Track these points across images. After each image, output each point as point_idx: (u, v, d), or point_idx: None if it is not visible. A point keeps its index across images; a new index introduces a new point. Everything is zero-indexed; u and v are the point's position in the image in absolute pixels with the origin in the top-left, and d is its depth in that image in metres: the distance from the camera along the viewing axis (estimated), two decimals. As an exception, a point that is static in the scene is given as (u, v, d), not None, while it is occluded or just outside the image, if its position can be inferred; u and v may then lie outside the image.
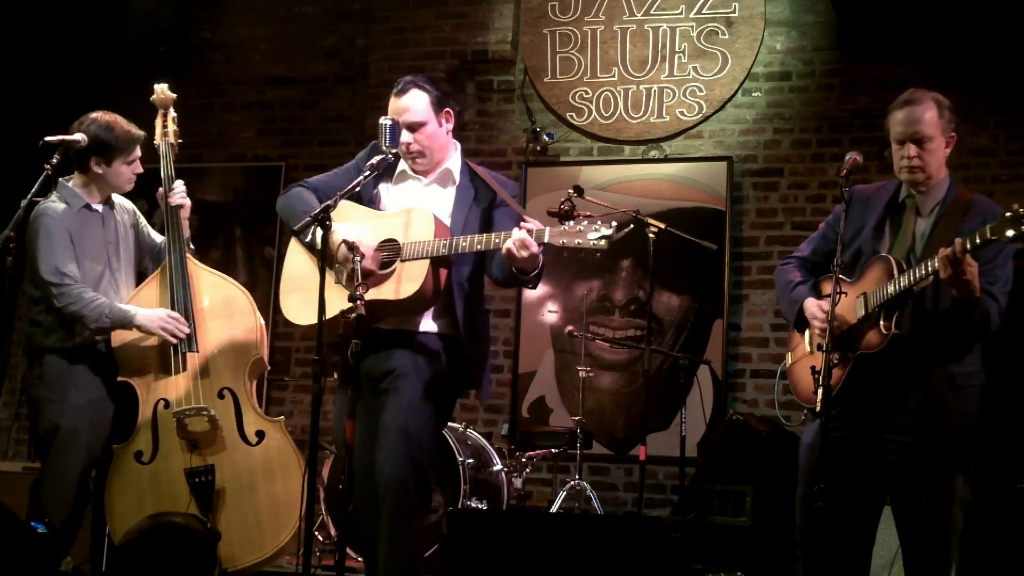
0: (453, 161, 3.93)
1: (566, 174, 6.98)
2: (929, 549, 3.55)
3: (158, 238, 4.71)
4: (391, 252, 3.71)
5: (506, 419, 6.85)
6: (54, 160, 4.24)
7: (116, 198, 4.63)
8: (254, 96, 7.74)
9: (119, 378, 4.45)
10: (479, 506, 5.63)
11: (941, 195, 3.64)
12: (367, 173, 3.71)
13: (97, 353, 4.45)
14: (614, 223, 3.43)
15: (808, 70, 6.77)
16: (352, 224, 3.74)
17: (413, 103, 3.82)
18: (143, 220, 4.75)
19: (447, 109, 3.88)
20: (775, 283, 4.00)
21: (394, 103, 3.86)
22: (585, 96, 7.08)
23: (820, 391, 3.37)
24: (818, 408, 3.38)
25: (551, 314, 6.96)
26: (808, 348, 3.77)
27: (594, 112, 7.05)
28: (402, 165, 3.89)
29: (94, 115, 4.49)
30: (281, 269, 4.06)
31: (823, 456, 3.46)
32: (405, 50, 7.13)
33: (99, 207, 4.53)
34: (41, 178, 4.19)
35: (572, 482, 6.01)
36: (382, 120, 3.78)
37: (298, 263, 3.95)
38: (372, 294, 3.61)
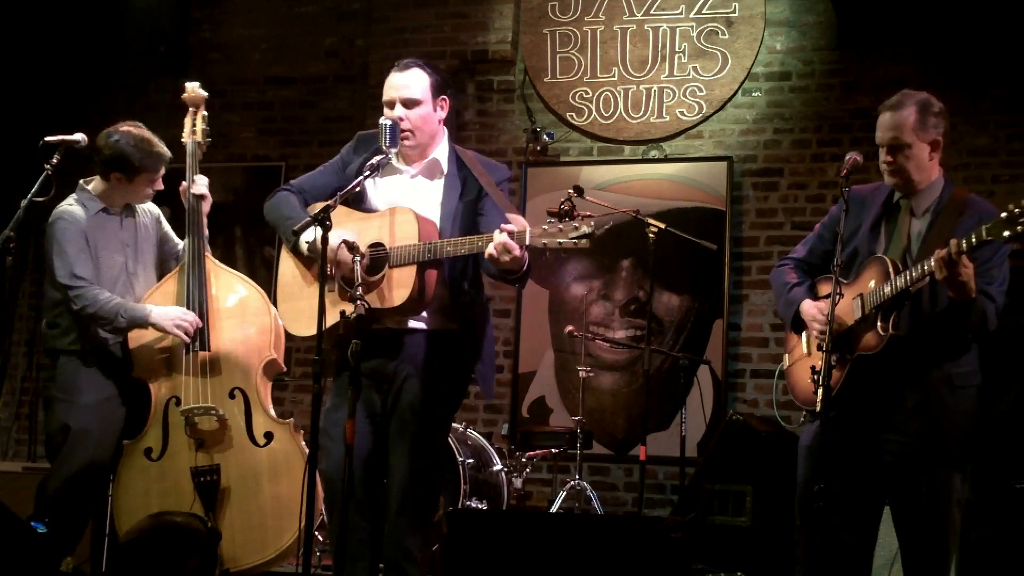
0: (440, 150, 3.90)
1: (566, 174, 6.98)
2: (927, 549, 3.55)
3: (179, 242, 4.73)
4: (379, 257, 3.70)
5: (506, 419, 6.85)
6: (54, 160, 4.25)
7: None
8: (254, 96, 7.74)
9: (132, 374, 4.47)
10: (479, 506, 5.63)
11: (935, 196, 3.65)
12: (367, 173, 3.70)
13: (111, 354, 4.48)
14: (593, 222, 3.42)
15: (808, 70, 6.78)
16: (338, 228, 3.70)
17: (413, 81, 3.82)
18: (166, 223, 4.76)
19: (443, 97, 3.87)
20: (771, 285, 4.00)
21: (394, 77, 3.84)
22: (585, 96, 7.08)
23: (820, 392, 3.37)
24: (818, 409, 3.38)
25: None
26: (805, 350, 3.76)
27: (594, 112, 7.05)
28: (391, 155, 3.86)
29: (127, 128, 4.48)
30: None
31: (822, 457, 3.46)
32: (405, 50, 7.11)
33: (116, 211, 4.54)
34: (41, 178, 4.20)
35: (572, 482, 6.02)
36: (382, 120, 3.77)
37: (290, 271, 3.94)
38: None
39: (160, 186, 4.57)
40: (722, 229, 6.68)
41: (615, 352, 6.75)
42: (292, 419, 4.50)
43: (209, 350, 4.43)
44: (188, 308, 4.44)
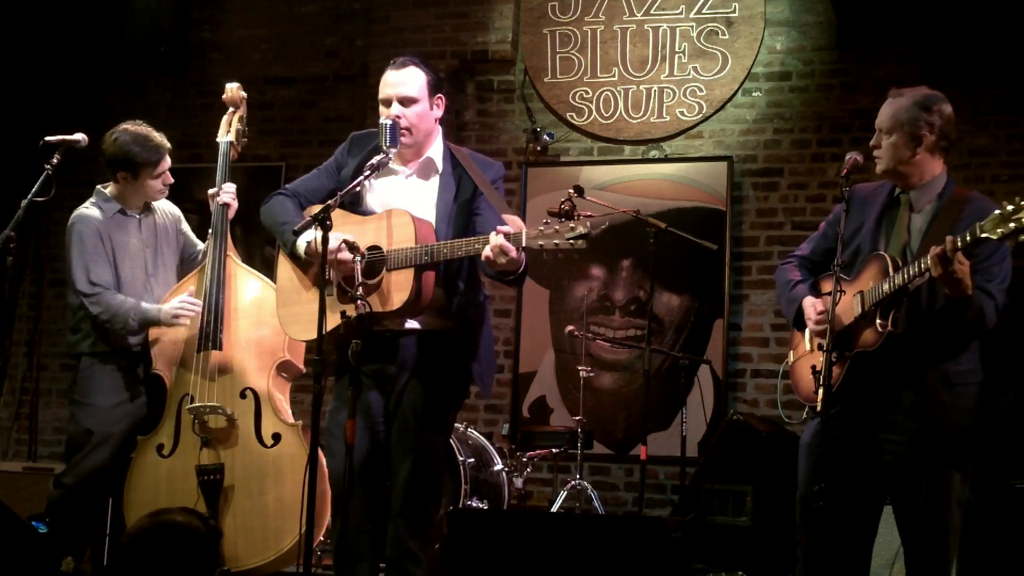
0: (435, 149, 3.90)
1: (566, 174, 6.98)
2: (928, 548, 3.55)
3: (199, 245, 4.76)
4: (377, 261, 3.70)
5: (506, 419, 6.85)
6: (54, 160, 4.26)
7: (160, 202, 4.67)
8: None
9: (152, 370, 4.49)
10: (479, 506, 5.63)
11: (936, 192, 3.65)
12: (367, 173, 3.70)
13: (131, 355, 4.51)
14: (590, 222, 3.42)
15: (808, 70, 6.77)
16: (335, 232, 3.70)
17: (409, 78, 3.82)
18: (186, 225, 4.80)
19: (439, 95, 3.87)
20: (775, 282, 4.01)
21: (390, 75, 3.84)
22: (585, 96, 7.08)
23: (820, 390, 3.37)
24: (819, 408, 3.38)
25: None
26: (808, 347, 3.77)
27: (594, 112, 7.05)
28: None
29: (124, 126, 4.54)
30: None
31: (822, 456, 3.46)
32: (405, 50, 7.07)
33: (134, 212, 4.56)
34: (41, 178, 4.21)
35: (573, 482, 6.02)
36: (382, 120, 3.78)
37: (287, 275, 3.94)
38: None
39: (169, 180, 4.60)
40: (722, 229, 6.68)
41: (615, 352, 6.75)
42: (300, 421, 4.50)
43: (222, 349, 4.44)
44: (205, 306, 4.46)
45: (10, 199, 4.28)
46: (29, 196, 4.16)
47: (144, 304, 4.47)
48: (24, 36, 7.41)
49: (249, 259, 7.35)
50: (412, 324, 3.78)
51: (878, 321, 3.51)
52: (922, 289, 3.51)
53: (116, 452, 4.45)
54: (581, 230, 3.38)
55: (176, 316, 4.43)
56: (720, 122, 6.88)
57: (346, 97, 7.51)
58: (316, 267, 3.65)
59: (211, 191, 4.65)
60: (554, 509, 5.95)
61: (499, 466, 5.89)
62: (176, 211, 4.77)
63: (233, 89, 4.80)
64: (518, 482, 5.96)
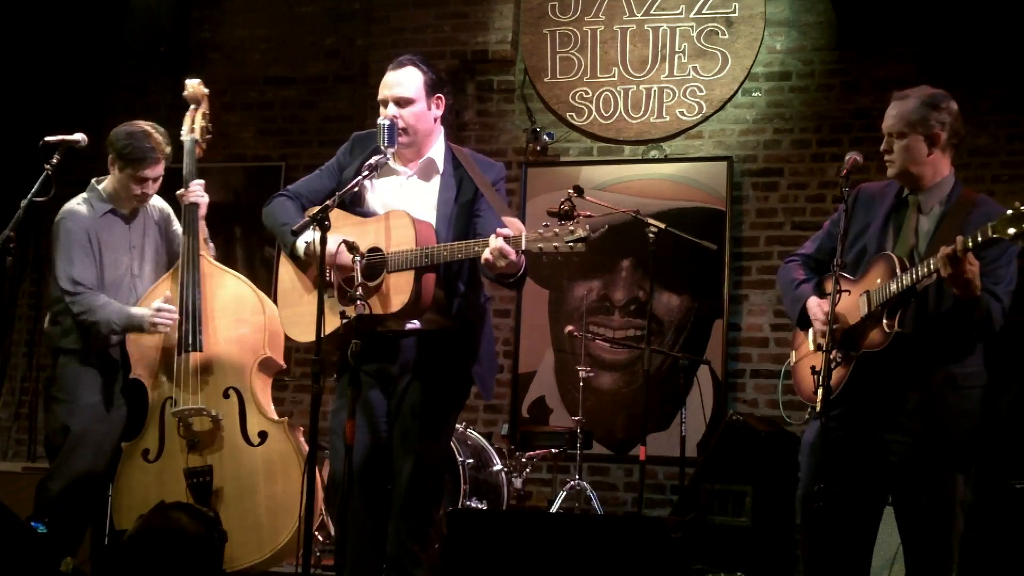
0: (436, 150, 3.89)
1: (566, 174, 6.98)
2: (930, 550, 3.55)
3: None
4: (377, 263, 3.70)
5: (506, 419, 6.85)
6: (54, 160, 4.25)
7: (152, 199, 4.63)
8: (254, 96, 7.74)
9: (131, 375, 4.47)
10: (479, 506, 5.63)
11: (944, 193, 3.64)
12: (365, 173, 3.70)
13: (112, 357, 4.47)
14: (589, 225, 3.41)
15: (808, 70, 6.77)
16: (335, 233, 3.70)
17: (406, 79, 3.81)
18: (176, 223, 4.75)
19: (439, 95, 3.86)
20: (778, 281, 4.00)
21: (389, 76, 3.84)
22: (585, 96, 7.08)
23: (820, 391, 3.37)
24: (817, 408, 3.38)
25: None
26: (811, 347, 3.76)
27: (594, 112, 7.05)
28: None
29: (138, 121, 4.52)
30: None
31: (824, 456, 3.45)
32: (405, 50, 7.01)
33: (125, 211, 4.54)
34: (41, 178, 4.20)
35: (572, 482, 6.02)
36: (380, 120, 3.77)
37: (288, 277, 3.94)
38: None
39: (150, 192, 4.54)
40: (722, 229, 6.68)
41: (615, 352, 6.75)
42: (287, 417, 4.49)
43: (202, 350, 4.42)
44: (182, 309, 4.44)
45: (10, 199, 4.27)
46: (29, 196, 4.15)
47: (130, 309, 4.44)
48: (24, 36, 7.41)
49: (249, 259, 7.46)
50: (413, 324, 3.78)
51: (885, 321, 3.50)
52: (929, 290, 3.50)
53: (101, 453, 4.40)
54: (580, 233, 3.38)
55: (154, 325, 4.40)
56: (720, 122, 6.87)
57: (346, 97, 7.51)
58: (316, 268, 3.65)
59: (179, 192, 4.61)
60: (553, 509, 5.95)
61: (498, 466, 5.89)
62: (167, 209, 4.73)
63: (194, 85, 4.77)
64: (517, 482, 5.96)
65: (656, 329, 6.57)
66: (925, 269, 3.40)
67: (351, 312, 3.52)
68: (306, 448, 4.20)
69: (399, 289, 3.65)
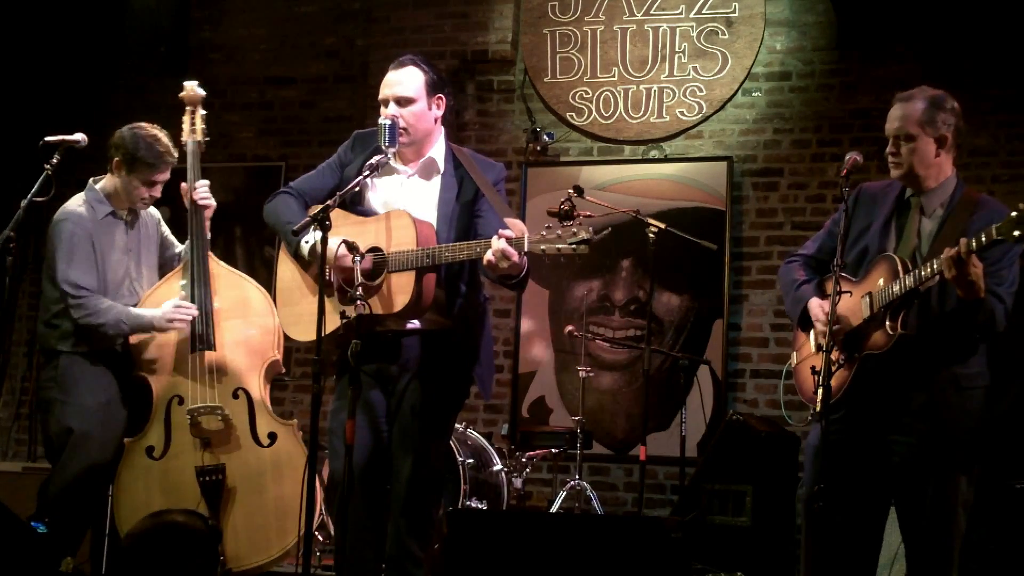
0: (437, 149, 3.89)
1: (566, 174, 6.98)
2: (931, 550, 3.54)
3: (178, 246, 4.73)
4: (378, 263, 3.70)
5: (506, 419, 6.85)
6: (54, 160, 4.25)
7: None
8: (254, 96, 7.74)
9: (134, 373, 4.46)
10: (479, 506, 5.63)
11: (947, 195, 3.64)
12: (366, 173, 3.70)
13: (111, 354, 4.47)
14: (592, 227, 3.41)
15: (808, 70, 6.77)
16: (335, 233, 3.69)
17: (407, 78, 3.82)
18: (165, 227, 4.77)
19: (439, 95, 3.86)
20: (779, 281, 4.00)
21: (390, 75, 3.84)
22: (585, 96, 7.08)
23: (820, 392, 3.36)
24: (818, 409, 3.38)
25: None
26: (813, 348, 3.76)
27: (594, 112, 7.05)
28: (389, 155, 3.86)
29: (142, 124, 4.51)
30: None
31: (825, 457, 3.45)
32: (405, 50, 6.99)
33: (123, 214, 4.54)
34: (41, 178, 4.20)
35: (572, 482, 6.01)
36: (381, 120, 3.77)
37: (288, 276, 3.94)
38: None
39: (156, 195, 4.55)
40: (722, 229, 6.67)
41: (615, 352, 6.75)
42: (295, 420, 4.50)
43: (215, 350, 4.43)
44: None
45: (10, 199, 4.27)
46: (29, 196, 4.15)
47: (137, 309, 4.43)
48: (24, 36, 7.41)
49: (249, 259, 7.45)
50: (413, 324, 3.78)
51: (888, 323, 3.50)
52: (933, 291, 3.49)
53: (103, 453, 4.39)
54: (583, 235, 3.38)
55: (171, 321, 4.39)
56: (720, 122, 6.87)
57: (346, 97, 7.51)
58: (317, 268, 3.64)
59: (184, 188, 4.61)
60: (553, 509, 5.94)
61: (498, 466, 5.89)
62: (156, 212, 4.73)
63: (192, 87, 4.77)
64: (517, 482, 5.96)
65: (656, 329, 6.57)
66: (928, 270, 3.40)
67: (351, 312, 3.52)
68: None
69: (400, 289, 3.65)
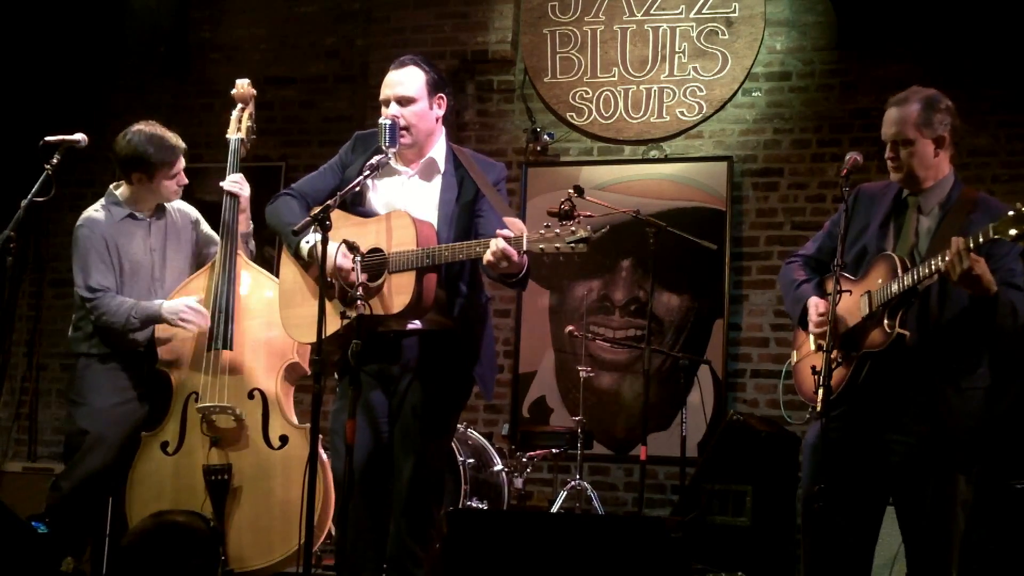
0: (437, 150, 3.89)
1: (566, 174, 6.98)
2: (930, 549, 3.55)
3: (215, 240, 4.71)
4: (379, 264, 3.70)
5: (506, 419, 6.85)
6: (54, 160, 4.25)
7: (175, 203, 4.64)
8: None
9: (156, 367, 4.47)
10: (479, 506, 5.63)
11: (944, 193, 3.64)
12: (366, 173, 3.70)
13: (132, 357, 4.48)
14: (590, 226, 3.41)
15: (808, 70, 6.77)
16: (337, 235, 3.69)
17: (408, 78, 3.82)
18: (205, 225, 4.75)
19: (440, 95, 3.86)
20: (779, 281, 4.00)
21: (390, 75, 3.84)
22: (585, 96, 7.08)
23: (820, 391, 3.37)
24: (818, 408, 3.38)
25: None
26: (812, 347, 3.76)
27: (594, 112, 7.05)
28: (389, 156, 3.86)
29: (138, 126, 4.51)
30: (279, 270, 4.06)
31: (825, 456, 3.45)
32: (405, 50, 6.98)
33: (144, 215, 4.54)
34: (41, 178, 4.21)
35: (572, 482, 6.02)
36: (381, 120, 3.78)
37: (291, 277, 3.94)
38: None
39: (184, 180, 4.59)
40: (722, 229, 6.68)
41: (615, 352, 6.75)
42: (309, 424, 4.49)
43: (232, 349, 4.42)
44: (214, 306, 4.43)
45: (10, 199, 4.27)
46: (29, 196, 4.16)
47: (146, 302, 4.44)
48: (24, 36, 7.41)
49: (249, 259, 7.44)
50: (414, 324, 3.78)
51: (886, 322, 3.50)
52: (932, 290, 3.49)
53: (116, 454, 4.41)
54: (582, 234, 3.38)
55: (179, 318, 4.40)
56: (720, 122, 6.88)
57: (346, 97, 7.51)
58: (318, 269, 3.64)
59: (223, 183, 4.63)
60: (554, 509, 5.95)
61: (499, 466, 5.89)
62: (192, 212, 4.73)
63: (244, 85, 4.77)
64: (518, 482, 5.96)
65: (656, 329, 6.57)
66: (926, 269, 3.40)
67: (352, 313, 3.52)
68: (326, 457, 4.20)
69: (401, 289, 3.65)
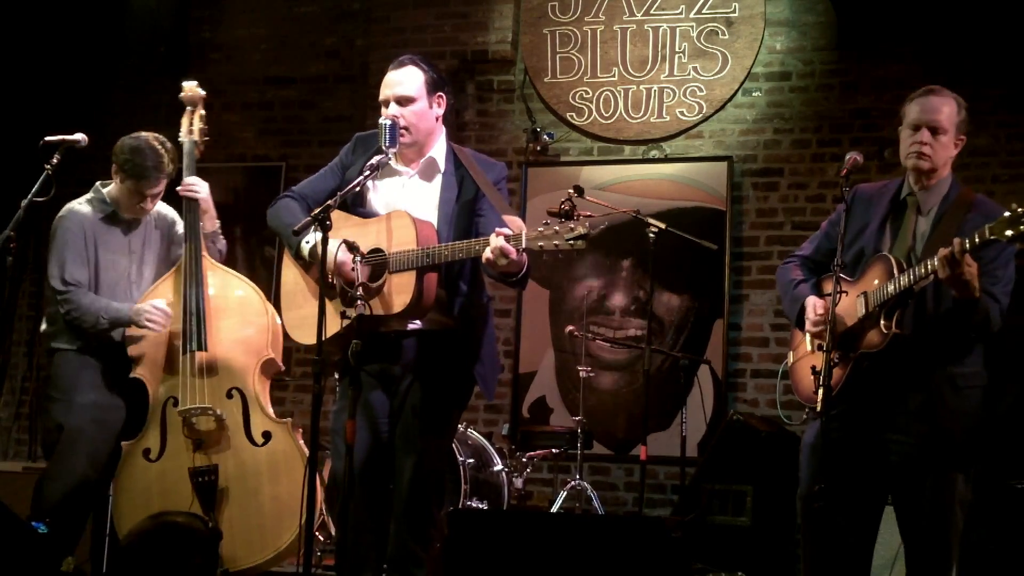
0: (438, 149, 3.90)
1: (566, 174, 6.98)
2: (929, 549, 3.55)
3: (183, 245, 4.70)
4: (379, 264, 3.70)
5: (507, 419, 6.85)
6: (54, 160, 4.25)
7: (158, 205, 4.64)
8: (254, 96, 7.74)
9: (131, 374, 4.46)
10: (479, 506, 5.63)
11: (943, 194, 3.65)
12: (367, 173, 3.70)
13: (110, 353, 4.47)
14: (589, 223, 3.42)
15: (808, 70, 6.77)
16: (336, 234, 3.69)
17: (407, 78, 3.82)
18: (180, 227, 4.73)
19: (440, 94, 3.87)
20: (777, 282, 4.00)
21: (389, 75, 3.85)
22: (585, 96, 7.08)
23: (820, 391, 3.37)
24: (819, 408, 3.38)
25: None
26: (809, 347, 3.76)
27: (594, 112, 7.05)
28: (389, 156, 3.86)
29: (145, 133, 4.50)
30: (280, 272, 4.06)
31: (824, 456, 3.45)
32: (405, 50, 6.97)
33: (127, 216, 4.54)
34: (41, 178, 4.21)
35: (573, 482, 6.02)
36: (381, 120, 3.78)
37: (292, 279, 3.94)
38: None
39: (149, 207, 4.54)
40: (722, 229, 6.68)
41: (615, 352, 6.75)
42: (290, 419, 4.50)
43: (207, 350, 4.42)
44: (185, 308, 4.43)
45: (10, 199, 4.28)
46: (29, 196, 4.16)
47: (116, 304, 4.43)
48: (24, 36, 7.40)
49: (249, 259, 7.45)
50: (415, 324, 3.78)
51: (882, 322, 3.50)
52: (927, 291, 3.50)
53: (97, 453, 4.40)
54: (581, 231, 3.39)
55: (144, 319, 4.37)
56: (720, 122, 6.88)
57: (346, 97, 7.51)
58: (319, 270, 3.64)
59: (178, 188, 4.61)
60: (554, 509, 5.95)
61: (499, 466, 5.89)
62: (172, 214, 4.72)
63: (191, 87, 4.77)
64: (518, 482, 5.96)
65: (656, 329, 6.57)
66: (923, 270, 3.40)
67: (352, 312, 3.52)
68: (307, 450, 4.20)
69: (401, 289, 3.65)
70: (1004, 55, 6.35)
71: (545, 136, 7.06)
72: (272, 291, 4.68)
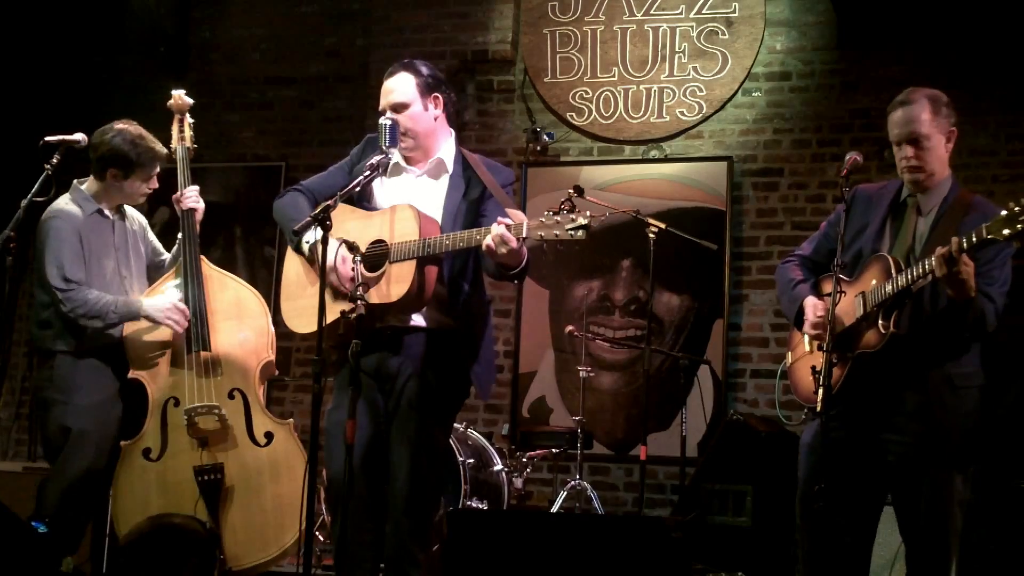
0: (446, 150, 3.92)
1: (566, 174, 6.98)
2: (929, 549, 3.55)
3: (164, 253, 4.75)
4: (380, 254, 3.71)
5: (506, 419, 6.85)
6: (54, 160, 4.25)
7: (126, 208, 4.66)
8: (254, 96, 7.74)
9: (129, 375, 4.46)
10: (479, 506, 5.63)
11: (942, 195, 3.64)
12: (368, 173, 3.71)
13: (107, 354, 4.47)
14: (589, 212, 3.43)
15: (808, 70, 6.78)
16: (341, 225, 3.71)
17: (398, 85, 3.85)
18: (151, 233, 4.78)
19: (436, 94, 3.88)
20: (776, 281, 4.01)
21: (384, 85, 3.89)
22: (585, 96, 7.08)
23: (820, 391, 3.37)
24: (818, 408, 3.38)
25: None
26: (807, 347, 3.77)
27: (594, 112, 7.05)
28: (396, 157, 3.88)
29: (121, 125, 4.50)
30: (281, 272, 4.08)
31: (823, 456, 3.46)
32: (405, 50, 7.11)
33: (110, 213, 4.55)
34: (41, 178, 4.20)
35: (572, 482, 6.02)
36: (381, 120, 3.80)
37: (294, 270, 3.96)
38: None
39: (155, 185, 4.58)
40: (722, 229, 6.68)
41: (615, 352, 6.75)
42: (292, 419, 4.52)
43: (211, 350, 4.44)
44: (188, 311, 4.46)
45: (10, 199, 4.27)
46: (29, 196, 4.15)
47: (125, 299, 4.43)
48: (24, 36, 7.41)
49: (249, 259, 7.45)
50: (414, 322, 3.78)
51: (880, 322, 3.50)
52: (925, 291, 3.50)
53: (101, 456, 4.40)
54: (581, 221, 3.41)
55: (166, 315, 4.40)
56: (720, 122, 6.88)
57: (346, 97, 7.51)
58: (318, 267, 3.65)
59: (175, 196, 4.64)
60: (554, 509, 5.94)
61: (499, 466, 5.89)
62: (142, 219, 4.75)
63: (179, 96, 4.79)
64: (518, 482, 5.96)
65: (656, 329, 6.57)
66: (920, 270, 3.40)
67: (351, 310, 3.52)
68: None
69: (400, 278, 3.65)
70: (1004, 55, 6.35)
71: (545, 136, 7.06)
72: (272, 291, 4.68)
